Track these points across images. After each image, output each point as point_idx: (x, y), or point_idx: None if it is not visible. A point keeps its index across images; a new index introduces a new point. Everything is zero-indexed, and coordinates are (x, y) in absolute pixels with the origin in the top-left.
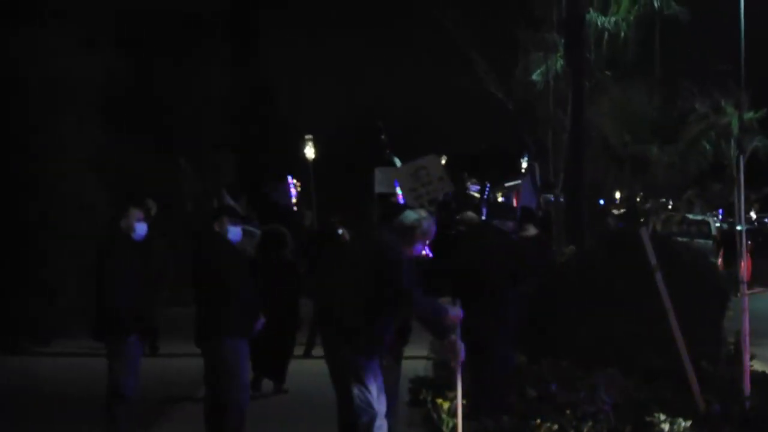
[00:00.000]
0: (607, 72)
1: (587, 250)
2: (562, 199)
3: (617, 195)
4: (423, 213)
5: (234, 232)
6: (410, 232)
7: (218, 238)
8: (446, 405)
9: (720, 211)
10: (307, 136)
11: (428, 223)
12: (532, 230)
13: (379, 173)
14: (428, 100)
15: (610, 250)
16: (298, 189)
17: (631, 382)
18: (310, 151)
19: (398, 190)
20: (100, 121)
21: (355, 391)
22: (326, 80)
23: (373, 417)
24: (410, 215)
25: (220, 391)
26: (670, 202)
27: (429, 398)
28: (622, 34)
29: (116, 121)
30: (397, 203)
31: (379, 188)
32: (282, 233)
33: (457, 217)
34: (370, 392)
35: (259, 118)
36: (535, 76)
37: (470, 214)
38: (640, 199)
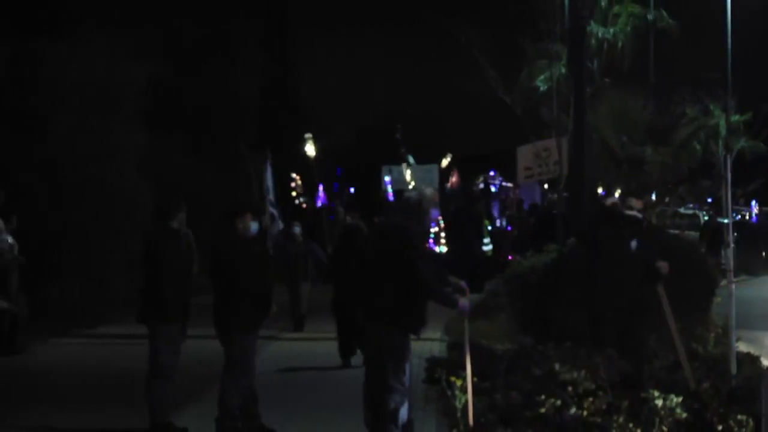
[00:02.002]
0: (606, 79)
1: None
2: (565, 195)
3: (617, 192)
4: (419, 188)
5: (254, 227)
6: (418, 206)
7: (234, 234)
8: (459, 382)
9: (709, 199)
10: (307, 135)
11: (430, 190)
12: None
13: (394, 171)
14: (441, 104)
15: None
16: (298, 183)
17: (626, 361)
18: (310, 149)
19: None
20: (144, 123)
21: (390, 371)
22: (347, 85)
23: (403, 401)
24: (409, 193)
25: (230, 375)
26: (667, 198)
27: (443, 376)
28: (620, 44)
29: (159, 124)
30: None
31: (396, 185)
32: (360, 227)
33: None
34: (404, 373)
35: (283, 119)
36: (539, 83)
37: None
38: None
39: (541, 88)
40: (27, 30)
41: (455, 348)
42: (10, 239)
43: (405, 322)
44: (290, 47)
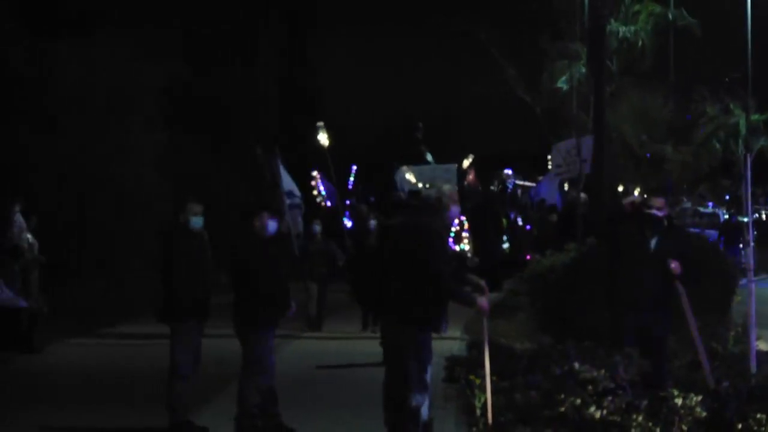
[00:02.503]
0: (626, 78)
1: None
2: (583, 195)
3: (636, 191)
4: (437, 184)
5: (272, 226)
6: (438, 203)
7: (251, 234)
8: (478, 381)
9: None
10: (319, 123)
11: (448, 186)
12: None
13: (412, 172)
14: (459, 103)
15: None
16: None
17: (646, 360)
18: (323, 138)
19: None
20: (163, 123)
21: (413, 370)
22: (366, 85)
23: (424, 400)
24: (428, 190)
25: (248, 374)
26: (684, 198)
27: (462, 375)
28: (640, 43)
29: (178, 124)
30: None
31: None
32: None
33: None
34: (426, 371)
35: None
36: (559, 83)
37: None
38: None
39: (564, 89)
40: (46, 31)
41: (474, 347)
42: (30, 238)
43: (426, 320)
44: (310, 47)
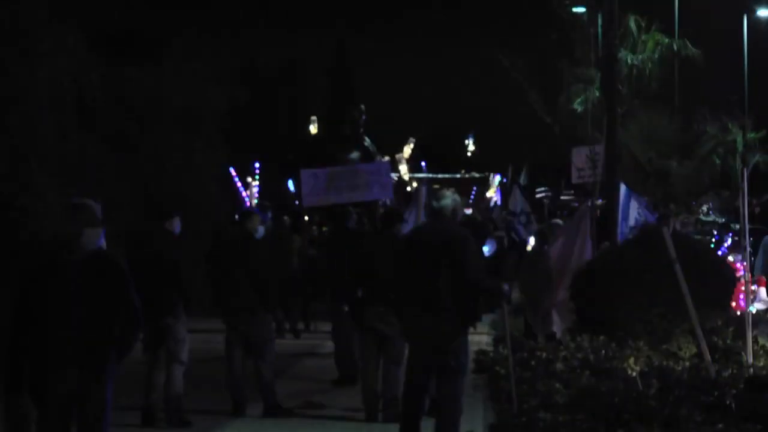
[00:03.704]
0: (635, 100)
1: (620, 245)
2: (600, 200)
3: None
4: (447, 193)
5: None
6: (453, 213)
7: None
8: (503, 372)
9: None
10: (313, 117)
11: (458, 196)
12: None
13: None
14: (488, 122)
15: (638, 246)
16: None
17: (655, 353)
18: (313, 128)
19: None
20: (223, 142)
21: (460, 376)
22: (405, 106)
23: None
24: (446, 201)
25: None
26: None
27: (490, 367)
28: (648, 70)
29: (236, 142)
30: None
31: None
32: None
33: None
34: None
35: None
36: (575, 104)
37: None
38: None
39: (579, 110)
40: (119, 55)
41: (500, 341)
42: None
43: (465, 317)
44: (355, 76)
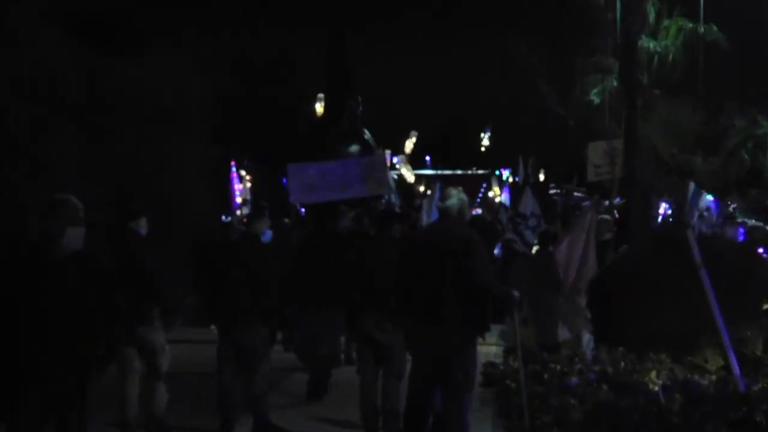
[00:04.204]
0: (656, 91)
1: (638, 248)
2: (618, 199)
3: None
4: (453, 192)
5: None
6: (460, 214)
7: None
8: (514, 386)
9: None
10: (320, 95)
11: (464, 195)
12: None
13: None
14: (496, 115)
15: (658, 249)
16: None
17: (679, 366)
18: (319, 107)
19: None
20: (210, 136)
21: (466, 391)
22: (405, 98)
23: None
24: (451, 200)
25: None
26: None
27: (499, 380)
28: (670, 57)
29: (225, 137)
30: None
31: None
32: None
33: None
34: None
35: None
36: (592, 96)
37: None
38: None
39: (595, 102)
40: (97, 45)
41: (511, 353)
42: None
43: (474, 326)
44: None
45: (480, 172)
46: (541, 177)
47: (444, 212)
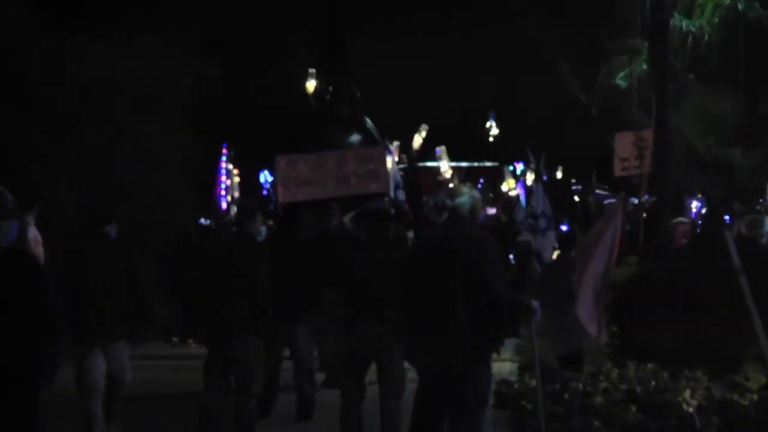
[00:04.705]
0: (691, 76)
1: (672, 253)
2: (647, 197)
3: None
4: (465, 190)
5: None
6: (474, 214)
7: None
8: (531, 407)
9: None
10: (311, 70)
11: (477, 193)
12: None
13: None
14: (510, 102)
15: (695, 253)
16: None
17: (716, 384)
18: (311, 85)
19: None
20: (189, 125)
21: (480, 413)
22: (410, 80)
23: None
24: (461, 198)
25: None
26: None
27: (513, 400)
28: (706, 37)
29: (204, 126)
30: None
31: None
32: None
33: None
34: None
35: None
36: (618, 80)
37: None
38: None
39: (622, 87)
40: (63, 26)
41: (527, 370)
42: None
43: (486, 338)
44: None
45: (486, 164)
46: (559, 174)
47: (453, 211)
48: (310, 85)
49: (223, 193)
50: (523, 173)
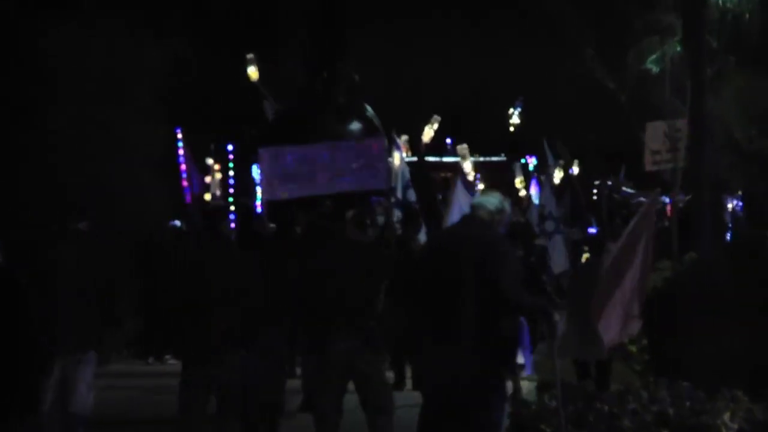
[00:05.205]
0: (730, 58)
1: (710, 257)
2: (682, 196)
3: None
4: (496, 195)
5: None
6: (497, 222)
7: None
8: (550, 431)
9: None
10: (249, 56)
11: (510, 206)
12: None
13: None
14: (528, 87)
15: (736, 258)
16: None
17: (759, 405)
18: (253, 71)
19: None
20: (165, 114)
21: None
22: (416, 66)
23: None
24: (484, 200)
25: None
26: None
27: (531, 424)
28: (747, 15)
29: (180, 115)
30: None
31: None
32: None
33: None
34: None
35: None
36: (648, 63)
37: None
38: None
39: (653, 71)
40: (26, 3)
41: (546, 389)
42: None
43: (498, 353)
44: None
45: (494, 159)
46: (575, 168)
47: (471, 213)
48: (252, 71)
49: (187, 187)
50: (536, 169)
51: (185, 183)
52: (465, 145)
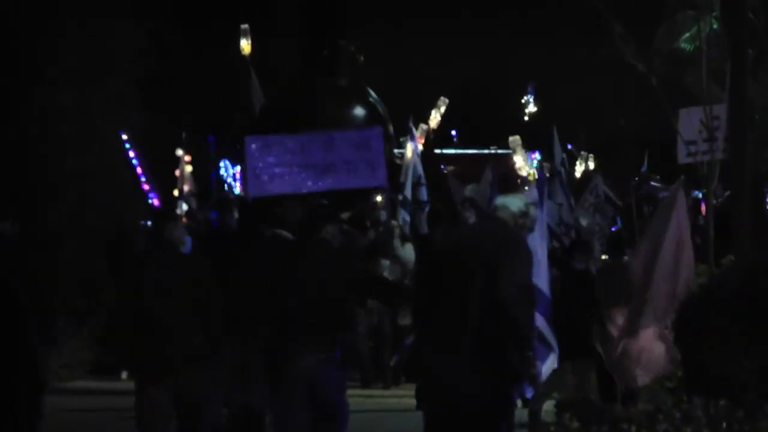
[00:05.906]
0: None
1: (751, 260)
2: (721, 192)
3: None
4: (522, 197)
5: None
6: (522, 221)
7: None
8: None
9: None
10: (243, 26)
11: (535, 211)
12: None
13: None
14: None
15: None
16: None
17: None
18: (245, 44)
19: None
20: (140, 99)
21: None
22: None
23: None
24: (514, 201)
25: None
26: None
27: None
28: None
29: (155, 101)
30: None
31: None
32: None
33: None
34: None
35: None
36: (683, 43)
37: None
38: None
39: (688, 50)
40: None
41: (566, 408)
42: None
43: (503, 366)
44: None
45: (498, 151)
46: (591, 164)
47: (493, 213)
48: (246, 44)
49: (145, 183)
50: (540, 164)
51: (146, 186)
52: (517, 137)
